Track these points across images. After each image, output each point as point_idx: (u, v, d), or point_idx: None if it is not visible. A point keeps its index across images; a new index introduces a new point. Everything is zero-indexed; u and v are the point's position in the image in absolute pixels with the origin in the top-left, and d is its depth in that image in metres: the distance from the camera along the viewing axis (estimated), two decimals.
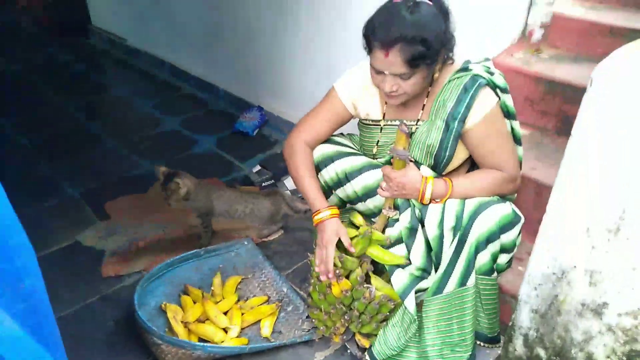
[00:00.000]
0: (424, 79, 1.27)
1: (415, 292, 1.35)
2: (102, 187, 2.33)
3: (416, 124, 1.39)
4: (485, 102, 1.29)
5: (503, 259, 1.32)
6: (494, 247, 1.28)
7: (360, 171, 1.44)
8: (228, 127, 2.85)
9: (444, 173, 1.40)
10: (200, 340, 1.52)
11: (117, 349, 1.54)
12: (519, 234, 1.32)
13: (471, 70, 1.31)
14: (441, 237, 1.31)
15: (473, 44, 1.66)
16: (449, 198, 1.32)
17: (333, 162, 1.46)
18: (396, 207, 1.39)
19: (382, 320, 1.43)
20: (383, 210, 1.40)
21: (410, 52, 1.17)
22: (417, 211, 1.35)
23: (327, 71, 2.34)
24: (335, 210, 1.42)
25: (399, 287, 1.34)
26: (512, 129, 1.41)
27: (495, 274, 1.33)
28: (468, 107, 1.28)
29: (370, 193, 1.45)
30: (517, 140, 1.43)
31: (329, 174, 1.48)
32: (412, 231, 1.36)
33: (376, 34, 1.20)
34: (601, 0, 2.13)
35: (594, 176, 0.94)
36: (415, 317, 1.33)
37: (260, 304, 1.66)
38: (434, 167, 1.39)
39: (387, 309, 1.39)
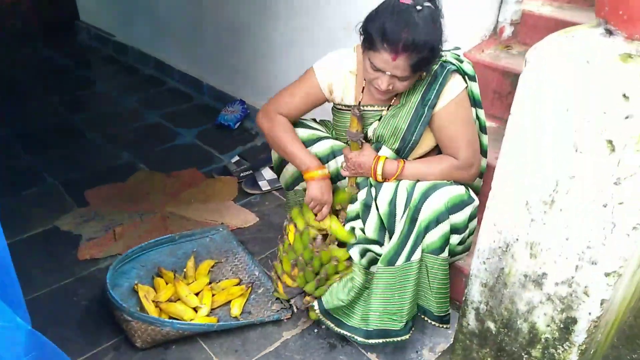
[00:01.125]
0: (415, 79, 1.33)
1: (369, 262, 1.44)
2: (82, 177, 2.37)
3: (387, 109, 1.45)
4: (453, 88, 1.36)
5: (454, 239, 1.38)
6: (443, 227, 1.34)
7: (332, 155, 1.51)
8: (210, 121, 2.90)
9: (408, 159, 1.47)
10: (171, 318, 1.57)
11: (90, 328, 1.58)
12: (471, 217, 1.38)
13: (442, 57, 1.37)
14: (392, 213, 1.37)
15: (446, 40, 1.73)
16: (400, 178, 1.38)
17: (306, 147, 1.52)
18: (357, 186, 1.46)
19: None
20: (346, 188, 1.48)
21: (417, 58, 1.21)
22: (372, 189, 1.41)
23: (308, 65, 2.40)
24: (328, 175, 1.48)
25: (355, 257, 1.42)
26: (478, 117, 1.47)
27: (446, 254, 1.38)
28: (437, 94, 1.35)
29: (339, 175, 1.52)
30: (482, 127, 1.50)
31: None
32: (367, 207, 1.42)
33: (387, 37, 1.19)
34: (569, 0, 2.22)
35: (531, 151, 1.00)
36: (361, 273, 1.43)
37: (231, 286, 1.71)
38: (398, 151, 1.45)
39: (343, 266, 1.48)
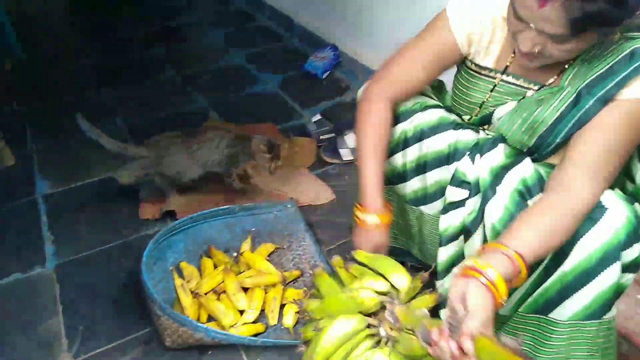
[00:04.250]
0: (586, 46, 0.83)
1: None
2: (150, 121, 2.15)
3: (538, 89, 0.96)
4: None
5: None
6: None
7: (436, 129, 1.06)
8: (297, 67, 2.52)
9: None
10: (210, 317, 1.29)
11: (124, 310, 1.36)
12: None
13: None
14: None
15: None
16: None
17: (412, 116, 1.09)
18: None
19: None
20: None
21: (583, 11, 0.72)
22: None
23: (414, 9, 1.88)
24: (387, 219, 1.06)
25: None
26: None
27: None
28: (619, 85, 0.82)
29: (436, 162, 1.07)
30: None
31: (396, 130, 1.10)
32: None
33: None
34: None
35: None
36: None
37: (292, 281, 1.39)
38: (532, 149, 0.97)
39: None
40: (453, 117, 1.08)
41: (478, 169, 0.99)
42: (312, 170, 1.85)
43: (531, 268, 0.88)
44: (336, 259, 1.10)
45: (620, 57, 0.83)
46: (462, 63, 1.07)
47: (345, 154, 1.86)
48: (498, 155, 0.99)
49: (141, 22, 3.11)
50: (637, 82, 0.82)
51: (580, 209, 0.84)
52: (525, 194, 0.94)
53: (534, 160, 0.99)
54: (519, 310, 1.01)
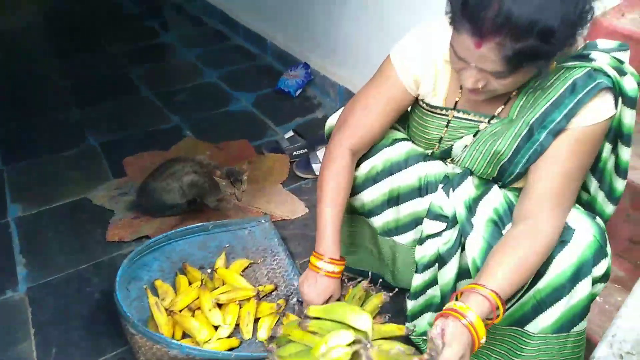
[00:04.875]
0: (526, 78, 0.87)
1: None
2: (124, 140, 2.16)
3: (489, 122, 1.01)
4: (596, 112, 0.88)
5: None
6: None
7: (406, 163, 1.11)
8: (270, 85, 2.57)
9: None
10: (185, 335, 1.30)
11: (97, 330, 1.36)
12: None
13: (592, 60, 0.88)
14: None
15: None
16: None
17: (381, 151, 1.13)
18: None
19: None
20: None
21: (515, 49, 0.76)
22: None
23: (381, 26, 1.95)
24: (341, 268, 1.08)
25: None
26: (618, 154, 0.97)
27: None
28: (568, 117, 0.88)
29: (408, 195, 1.12)
30: (620, 170, 0.99)
31: (365, 167, 1.15)
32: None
33: (467, 11, 0.77)
34: None
35: None
36: None
37: (265, 295, 1.41)
38: (495, 180, 1.04)
39: None
40: (420, 150, 1.13)
41: (453, 202, 1.04)
42: (285, 186, 1.89)
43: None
44: (291, 322, 1.03)
45: (563, 89, 0.88)
46: (416, 102, 1.11)
47: (318, 169, 1.89)
48: (469, 187, 1.04)
49: (116, 42, 3.13)
50: (583, 111, 0.87)
51: (546, 243, 0.90)
52: (499, 223, 0.99)
53: (501, 187, 1.05)
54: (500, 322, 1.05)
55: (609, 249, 0.94)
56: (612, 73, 0.86)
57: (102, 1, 3.83)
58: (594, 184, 1.02)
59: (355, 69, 2.12)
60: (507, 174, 0.99)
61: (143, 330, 1.19)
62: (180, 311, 1.33)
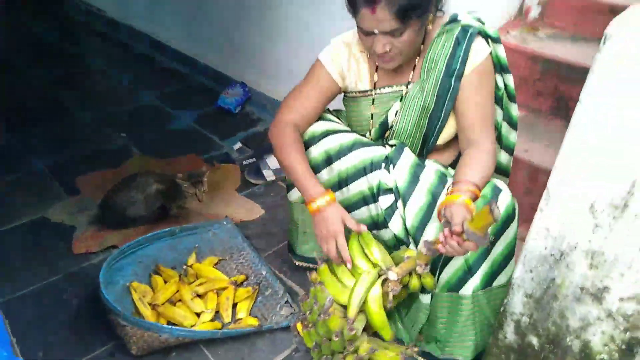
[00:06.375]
0: (417, 33, 1.16)
1: None
2: (72, 161, 2.19)
3: (407, 87, 1.29)
4: (478, 52, 1.21)
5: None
6: None
7: (350, 149, 1.32)
8: (209, 104, 2.72)
9: (434, 147, 1.32)
10: (169, 323, 1.42)
11: (82, 332, 1.43)
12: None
13: (460, 20, 1.22)
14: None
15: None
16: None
17: (320, 140, 1.34)
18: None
19: None
20: (418, 264, 1.16)
21: (398, 3, 1.06)
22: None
23: (312, 46, 2.22)
24: (333, 195, 1.23)
25: None
26: (506, 85, 1.31)
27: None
28: (464, 61, 1.19)
29: (356, 174, 1.32)
30: (511, 96, 1.34)
31: (316, 151, 1.35)
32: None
33: None
34: None
35: (602, 146, 0.86)
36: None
37: (240, 284, 1.57)
38: (425, 135, 1.30)
39: None
40: (365, 139, 1.36)
41: (394, 176, 1.28)
42: (239, 192, 2.06)
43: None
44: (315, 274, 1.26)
45: (452, 44, 1.20)
46: (345, 95, 1.38)
47: (269, 175, 2.10)
48: (407, 161, 1.28)
49: (39, 68, 3.09)
50: (471, 55, 1.19)
51: (490, 151, 1.21)
52: (435, 194, 1.22)
53: (426, 151, 1.32)
54: (439, 290, 1.29)
55: (517, 212, 1.23)
56: (477, 24, 1.22)
57: (21, 31, 3.74)
58: (499, 114, 1.34)
59: (288, 83, 2.34)
60: (436, 122, 1.26)
61: (134, 320, 1.31)
62: (162, 304, 1.45)
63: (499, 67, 1.27)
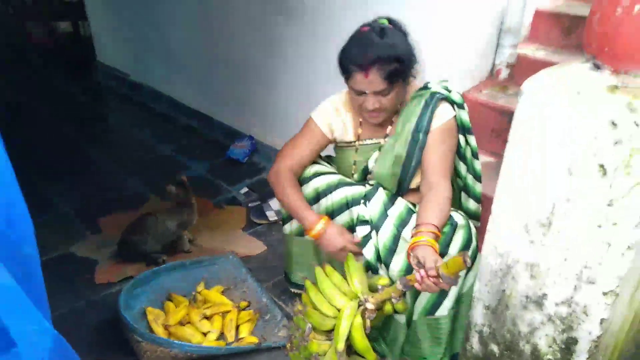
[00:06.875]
0: (399, 94, 1.43)
1: None
2: (94, 205, 2.44)
3: (385, 139, 1.54)
4: (442, 114, 1.46)
5: None
6: None
7: (336, 187, 1.56)
8: (220, 155, 3.00)
9: (408, 189, 1.54)
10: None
11: (100, 350, 1.61)
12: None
13: (430, 88, 1.49)
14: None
15: (449, 80, 1.83)
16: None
17: (311, 180, 1.58)
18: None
19: None
20: (393, 296, 1.32)
21: (387, 69, 1.33)
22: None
23: (311, 103, 2.52)
24: (326, 218, 1.49)
25: None
26: (468, 143, 1.54)
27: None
28: (429, 120, 1.45)
29: (340, 208, 1.55)
30: (474, 153, 1.57)
31: (307, 190, 1.58)
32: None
33: (354, 59, 1.35)
34: (562, 45, 2.35)
35: (528, 176, 1.08)
36: None
37: (243, 309, 1.76)
38: (400, 181, 1.53)
39: None
40: (348, 180, 1.60)
41: (369, 211, 1.52)
42: (245, 231, 2.28)
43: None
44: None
45: (421, 107, 1.45)
46: (335, 146, 1.64)
47: (271, 215, 2.32)
48: (379, 198, 1.51)
49: (71, 125, 3.44)
50: (436, 115, 1.44)
51: (447, 196, 1.41)
52: (401, 224, 1.45)
53: (402, 193, 1.55)
54: (417, 317, 1.49)
55: (474, 234, 1.44)
56: (444, 91, 1.47)
57: (52, 91, 4.15)
58: (463, 168, 1.56)
59: (290, 135, 2.64)
60: (408, 169, 1.49)
61: (149, 336, 1.49)
62: (173, 325, 1.63)
63: (462, 129, 1.51)
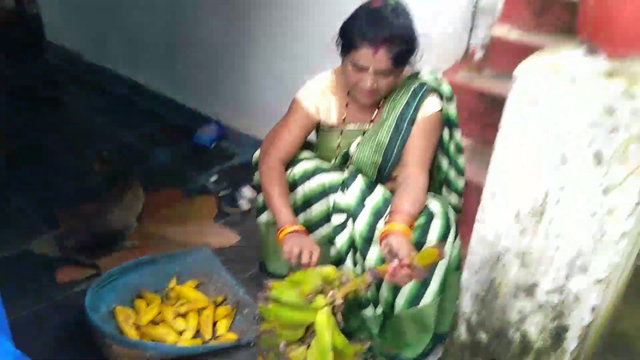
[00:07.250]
0: (395, 79, 1.37)
1: None
2: (53, 198, 2.28)
3: (369, 125, 1.48)
4: (428, 106, 1.41)
5: None
6: None
7: (313, 174, 1.49)
8: (185, 141, 2.86)
9: (388, 177, 1.50)
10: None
11: (66, 356, 1.50)
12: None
13: (421, 77, 1.44)
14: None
15: (422, 63, 1.78)
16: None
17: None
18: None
19: None
20: (360, 287, 1.21)
21: (396, 50, 1.28)
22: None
23: (283, 85, 2.42)
24: (302, 227, 1.40)
25: None
26: (453, 137, 1.50)
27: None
28: (416, 110, 1.40)
29: (318, 196, 1.48)
30: (459, 149, 1.53)
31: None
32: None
33: (365, 34, 1.28)
34: (535, 26, 2.34)
35: (520, 164, 1.05)
36: None
37: (219, 304, 1.67)
38: (380, 167, 1.47)
39: None
40: (325, 164, 1.54)
41: (347, 199, 1.46)
42: (216, 221, 2.18)
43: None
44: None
45: (409, 95, 1.42)
46: (319, 129, 1.57)
47: (244, 204, 2.23)
48: (357, 185, 1.45)
49: (19, 112, 3.19)
50: (423, 106, 1.40)
51: (423, 187, 1.38)
52: (378, 213, 1.41)
53: (382, 180, 1.49)
54: (399, 311, 1.45)
55: (452, 221, 1.40)
56: (434, 82, 1.43)
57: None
58: (445, 163, 1.53)
59: (260, 119, 2.53)
60: (389, 158, 1.44)
61: (120, 339, 1.40)
62: (145, 325, 1.54)
63: (448, 123, 1.47)
